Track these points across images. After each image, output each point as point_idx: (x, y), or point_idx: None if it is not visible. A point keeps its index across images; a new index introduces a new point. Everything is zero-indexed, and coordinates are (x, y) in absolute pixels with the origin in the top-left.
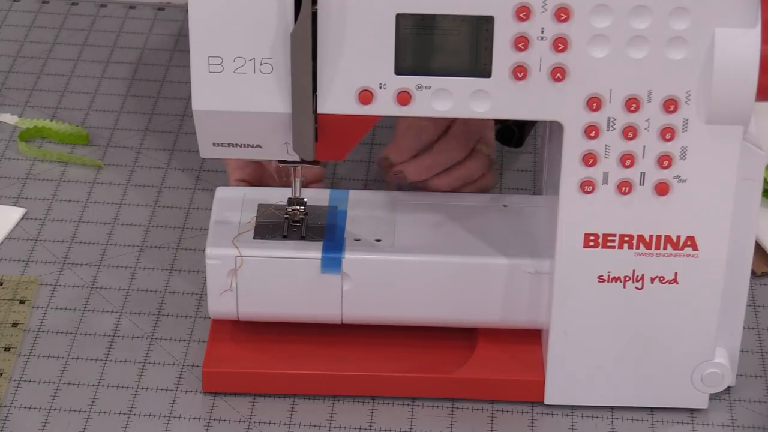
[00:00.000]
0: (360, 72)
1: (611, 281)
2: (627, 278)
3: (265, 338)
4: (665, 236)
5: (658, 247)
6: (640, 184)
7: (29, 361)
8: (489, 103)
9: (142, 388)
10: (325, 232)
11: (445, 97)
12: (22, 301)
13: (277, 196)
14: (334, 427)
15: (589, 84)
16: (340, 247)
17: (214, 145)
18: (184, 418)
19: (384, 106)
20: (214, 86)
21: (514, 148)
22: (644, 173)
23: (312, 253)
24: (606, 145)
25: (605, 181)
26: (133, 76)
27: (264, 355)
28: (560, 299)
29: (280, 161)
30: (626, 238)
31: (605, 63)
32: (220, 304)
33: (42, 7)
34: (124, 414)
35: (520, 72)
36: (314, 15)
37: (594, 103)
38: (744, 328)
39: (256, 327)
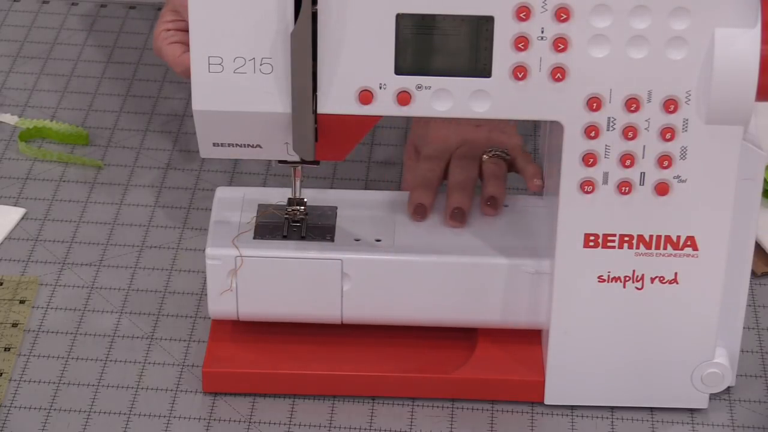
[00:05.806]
0: (360, 72)
1: (611, 281)
2: (627, 278)
3: (265, 338)
4: (665, 236)
5: (658, 247)
6: (640, 184)
7: (29, 361)
8: (489, 103)
9: (142, 388)
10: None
11: (445, 97)
12: (22, 301)
13: (277, 196)
14: (334, 427)
15: (589, 84)
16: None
17: (214, 145)
18: (184, 418)
19: (384, 106)
20: (214, 86)
21: None
22: (644, 173)
23: (312, 253)
24: (606, 145)
25: (605, 181)
26: (133, 76)
27: (264, 355)
28: (560, 299)
29: (280, 161)
30: (626, 238)
31: (605, 63)
32: (220, 304)
33: (42, 7)
34: (124, 414)
35: (520, 72)
36: (314, 15)
37: (594, 103)
38: (744, 328)
39: (256, 327)
